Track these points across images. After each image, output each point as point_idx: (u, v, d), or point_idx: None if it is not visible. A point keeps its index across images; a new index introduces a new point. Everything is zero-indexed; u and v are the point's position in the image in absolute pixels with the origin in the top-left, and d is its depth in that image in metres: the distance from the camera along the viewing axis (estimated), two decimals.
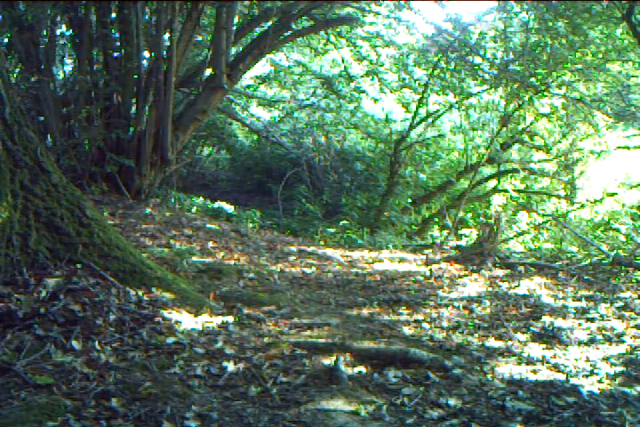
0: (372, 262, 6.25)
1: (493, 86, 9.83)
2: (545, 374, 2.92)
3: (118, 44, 8.09)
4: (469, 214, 12.68)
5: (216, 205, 9.93)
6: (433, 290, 4.81)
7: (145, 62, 8.27)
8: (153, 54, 8.08)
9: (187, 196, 10.02)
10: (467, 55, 9.64)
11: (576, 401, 2.56)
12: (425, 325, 3.76)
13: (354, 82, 11.49)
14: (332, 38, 11.16)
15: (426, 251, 7.05)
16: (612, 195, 10.86)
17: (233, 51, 9.00)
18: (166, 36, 8.03)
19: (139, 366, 2.64)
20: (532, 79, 8.96)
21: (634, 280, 5.19)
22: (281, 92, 14.15)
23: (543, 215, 11.59)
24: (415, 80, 10.97)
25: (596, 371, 2.99)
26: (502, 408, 2.47)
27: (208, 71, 8.63)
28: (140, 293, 3.40)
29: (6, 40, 7.96)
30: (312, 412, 2.36)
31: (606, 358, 3.17)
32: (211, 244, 6.05)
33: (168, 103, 7.83)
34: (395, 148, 11.32)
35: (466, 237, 10.37)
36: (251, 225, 9.23)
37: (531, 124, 11.12)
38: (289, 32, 9.08)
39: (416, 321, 3.84)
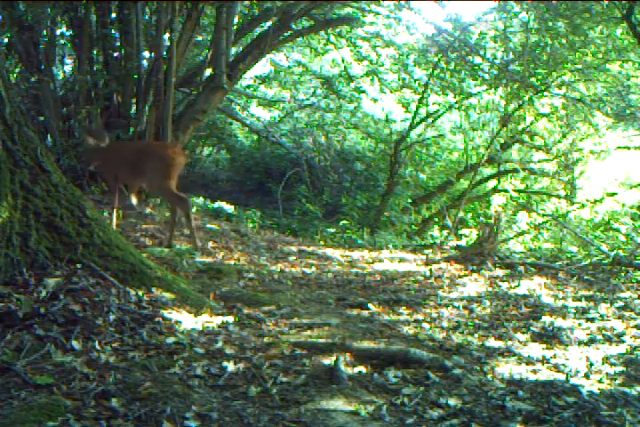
0: (372, 262, 6.24)
1: (493, 86, 9.84)
2: (545, 374, 2.91)
3: (118, 44, 8.09)
4: (469, 214, 12.69)
5: (216, 205, 9.92)
6: (433, 290, 4.81)
7: (145, 62, 8.27)
8: (153, 54, 8.08)
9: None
10: (467, 55, 9.65)
11: (576, 401, 2.55)
12: (425, 325, 3.76)
13: (354, 82, 11.50)
14: (332, 38, 11.17)
15: (426, 251, 7.04)
16: (612, 195, 10.87)
17: (233, 51, 9.00)
18: (166, 36, 8.03)
19: (139, 366, 2.63)
20: (532, 79, 8.96)
21: (634, 280, 5.19)
22: (281, 92, 14.15)
23: (543, 215, 11.60)
24: (415, 80, 10.99)
25: (595, 371, 2.99)
26: (502, 408, 2.47)
27: (208, 71, 8.63)
28: (140, 293, 3.40)
29: (6, 40, 7.96)
30: (312, 412, 2.36)
31: (606, 358, 3.17)
32: (211, 244, 6.04)
33: (168, 103, 7.83)
34: (395, 148, 11.32)
35: (466, 237, 10.36)
36: (251, 225, 9.23)
37: (531, 124, 11.12)
38: (289, 32, 9.08)
39: (416, 321, 3.83)
